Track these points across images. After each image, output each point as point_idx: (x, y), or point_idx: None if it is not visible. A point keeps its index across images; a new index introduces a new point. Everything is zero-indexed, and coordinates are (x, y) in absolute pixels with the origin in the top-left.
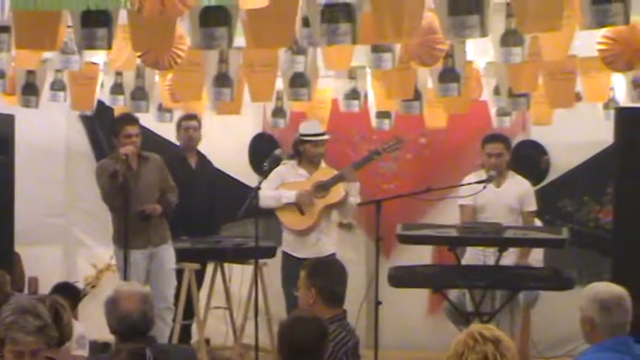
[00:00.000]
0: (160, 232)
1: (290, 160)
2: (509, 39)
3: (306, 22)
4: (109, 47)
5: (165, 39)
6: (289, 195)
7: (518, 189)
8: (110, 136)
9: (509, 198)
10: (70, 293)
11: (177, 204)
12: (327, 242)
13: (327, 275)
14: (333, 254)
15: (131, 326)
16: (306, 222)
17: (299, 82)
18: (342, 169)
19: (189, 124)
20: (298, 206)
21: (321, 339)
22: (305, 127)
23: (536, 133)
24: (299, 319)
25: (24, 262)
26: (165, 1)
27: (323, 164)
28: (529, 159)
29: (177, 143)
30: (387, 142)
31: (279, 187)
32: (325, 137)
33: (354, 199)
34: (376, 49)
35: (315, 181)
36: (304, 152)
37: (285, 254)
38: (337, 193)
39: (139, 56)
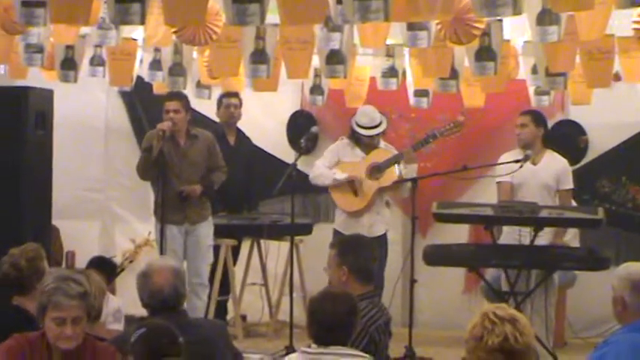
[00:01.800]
0: (199, 210)
1: (348, 139)
2: (546, 18)
3: (339, 0)
4: (142, 22)
5: (198, 15)
6: (344, 175)
7: (555, 167)
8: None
9: (546, 176)
10: (105, 267)
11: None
12: (380, 223)
13: (358, 253)
14: (384, 235)
15: (162, 300)
16: (359, 204)
17: (335, 59)
18: (400, 151)
19: (231, 101)
20: (352, 186)
21: (350, 315)
22: (361, 118)
23: (575, 113)
24: (328, 295)
25: (62, 237)
26: None
27: (382, 144)
28: (567, 138)
29: (216, 120)
30: (445, 125)
31: (336, 166)
32: (381, 129)
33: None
34: (412, 27)
35: (371, 162)
36: (360, 139)
37: (336, 231)
38: (391, 175)
39: (175, 32)
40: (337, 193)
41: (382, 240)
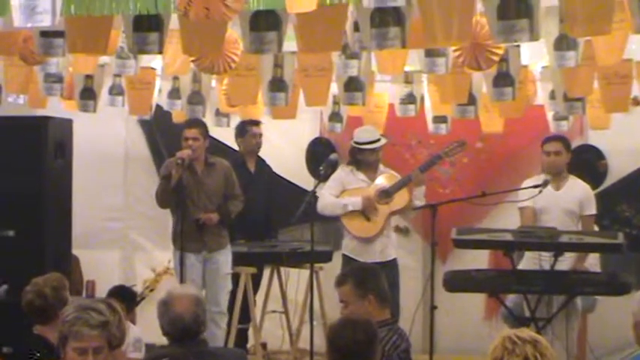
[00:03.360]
0: (217, 238)
1: (349, 166)
2: (563, 43)
3: (356, 27)
4: (161, 51)
5: (216, 43)
6: (355, 201)
7: (578, 192)
8: (170, 141)
9: (569, 201)
10: (125, 296)
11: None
12: (391, 247)
13: (378, 278)
14: (395, 259)
15: (183, 329)
16: (373, 229)
17: (353, 86)
18: (408, 173)
19: (258, 130)
20: (364, 212)
21: (370, 342)
22: (360, 135)
23: (594, 138)
24: (348, 322)
25: (82, 266)
26: (211, 6)
27: (381, 167)
28: (587, 163)
29: (235, 147)
30: (448, 145)
31: (342, 194)
32: (382, 143)
33: (420, 202)
34: (429, 54)
35: (378, 187)
36: (363, 160)
37: (347, 258)
38: (402, 198)
39: (193, 61)
40: (349, 220)
41: (393, 264)
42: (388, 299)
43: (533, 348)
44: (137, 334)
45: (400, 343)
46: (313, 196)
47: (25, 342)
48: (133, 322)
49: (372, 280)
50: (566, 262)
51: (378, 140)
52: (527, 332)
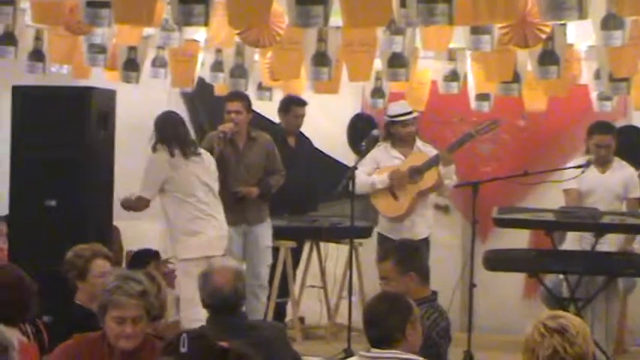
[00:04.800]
0: (257, 212)
1: (384, 142)
2: (610, 22)
3: (403, 2)
4: (206, 23)
5: (262, 16)
6: (382, 179)
7: (624, 175)
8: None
9: (615, 184)
10: (146, 259)
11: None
12: (422, 226)
13: (420, 255)
14: (426, 238)
15: (222, 300)
16: (400, 208)
17: (397, 62)
18: (436, 153)
19: (302, 111)
20: (392, 190)
21: (399, 313)
22: (392, 109)
23: (638, 118)
24: (385, 298)
25: (123, 237)
26: None
27: (418, 142)
28: (630, 144)
29: (277, 121)
30: (480, 123)
31: (374, 171)
32: (412, 115)
33: (450, 181)
34: (475, 31)
35: (410, 165)
36: (396, 133)
37: (381, 236)
38: (431, 177)
39: (238, 34)
40: (377, 199)
41: (424, 243)
42: (428, 277)
43: (561, 338)
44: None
45: (440, 320)
46: (354, 172)
47: (66, 311)
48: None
49: (414, 258)
50: (612, 244)
51: (409, 113)
52: (557, 320)
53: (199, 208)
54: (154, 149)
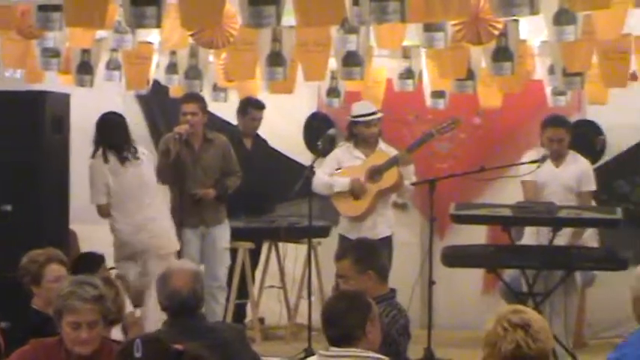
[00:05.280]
0: (214, 213)
1: (347, 142)
2: (563, 17)
3: (355, 1)
4: (159, 25)
5: (214, 17)
6: (342, 182)
7: (577, 169)
8: (168, 116)
9: (568, 178)
10: (90, 264)
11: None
12: (382, 225)
13: (377, 252)
14: (388, 237)
15: (180, 303)
16: (359, 208)
17: (352, 61)
18: (395, 154)
19: (259, 114)
20: (352, 192)
21: (366, 315)
22: (356, 109)
23: (592, 113)
24: (344, 296)
25: (79, 241)
26: None
27: (381, 144)
28: (584, 138)
29: (232, 122)
30: (440, 123)
31: (336, 171)
32: (376, 116)
33: (409, 181)
34: (428, 28)
35: (370, 165)
36: (359, 134)
37: (342, 237)
38: (391, 177)
39: (192, 35)
40: (337, 199)
41: (386, 242)
42: (386, 275)
43: (525, 333)
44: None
45: (399, 318)
46: (311, 171)
47: (23, 317)
48: None
49: (372, 256)
50: (566, 237)
51: (373, 114)
52: (520, 315)
53: (140, 211)
54: (93, 155)
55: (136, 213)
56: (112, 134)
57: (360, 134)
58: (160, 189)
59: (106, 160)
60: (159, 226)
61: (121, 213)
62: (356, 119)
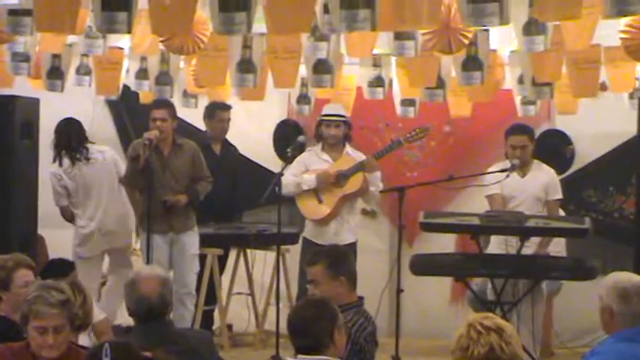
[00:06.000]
0: (183, 220)
1: (315, 146)
2: (532, 28)
3: (326, 9)
4: (129, 31)
5: (185, 24)
6: (309, 179)
7: (543, 178)
8: (138, 121)
9: (535, 187)
10: (61, 269)
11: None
12: (347, 231)
13: (349, 259)
14: (353, 243)
15: (148, 309)
16: (323, 211)
17: (322, 68)
18: (362, 159)
19: (226, 115)
20: (317, 194)
21: (332, 322)
22: (324, 109)
23: (561, 123)
24: (309, 304)
25: (48, 245)
26: None
27: (348, 149)
28: (554, 148)
29: (202, 129)
30: (409, 131)
31: (303, 174)
32: (336, 119)
33: (375, 188)
34: (399, 37)
35: (338, 168)
36: (324, 135)
37: (306, 240)
38: (356, 182)
39: (162, 41)
40: (302, 202)
41: (351, 248)
42: (355, 282)
43: (499, 337)
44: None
45: (366, 325)
46: (280, 178)
47: None
48: None
49: (345, 262)
50: (533, 247)
51: (336, 116)
52: (493, 320)
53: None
54: (53, 160)
55: (96, 209)
56: (61, 138)
57: (322, 133)
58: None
59: (60, 164)
60: (116, 222)
61: (81, 210)
62: (320, 118)
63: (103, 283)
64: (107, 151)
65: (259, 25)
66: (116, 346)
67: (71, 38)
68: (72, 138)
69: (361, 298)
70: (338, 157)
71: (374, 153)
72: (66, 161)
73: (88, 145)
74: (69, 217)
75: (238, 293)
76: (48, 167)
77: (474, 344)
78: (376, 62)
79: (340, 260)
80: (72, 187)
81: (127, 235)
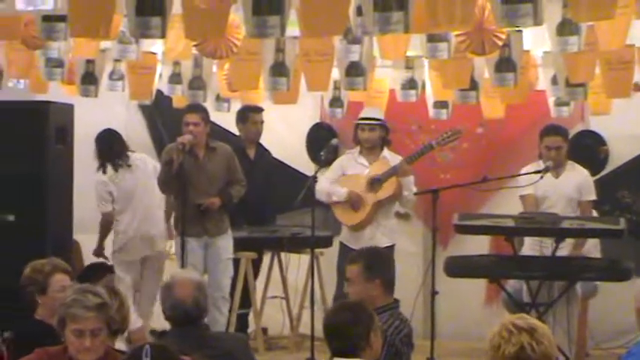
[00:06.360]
0: (218, 223)
1: (353, 149)
2: (566, 28)
3: (359, 11)
4: (163, 36)
5: (219, 28)
6: (340, 193)
7: (577, 179)
8: (171, 126)
9: (569, 188)
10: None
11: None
12: (383, 236)
13: (388, 264)
14: (390, 247)
15: (184, 313)
16: (358, 217)
17: (355, 71)
18: (395, 164)
19: (259, 117)
20: (350, 203)
21: (368, 325)
22: (363, 113)
23: (595, 123)
24: (345, 307)
25: (83, 251)
26: None
27: (386, 152)
28: (587, 149)
29: (236, 133)
30: (441, 134)
31: (339, 178)
32: (370, 122)
33: (409, 193)
34: (432, 39)
35: (371, 174)
36: (360, 138)
37: (342, 245)
38: (390, 187)
39: (195, 45)
40: (337, 208)
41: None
42: (393, 286)
43: (530, 336)
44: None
45: (402, 327)
46: (313, 182)
47: (25, 328)
48: None
49: (381, 265)
50: (567, 248)
51: (372, 119)
52: (526, 320)
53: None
54: (98, 169)
55: (137, 215)
56: (103, 148)
57: (362, 138)
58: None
59: (104, 172)
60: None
61: (123, 216)
62: (358, 121)
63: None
64: (147, 158)
65: (292, 29)
66: (156, 348)
67: (105, 44)
68: (114, 146)
69: (397, 301)
70: (375, 161)
71: (406, 157)
72: (109, 169)
73: (129, 153)
74: (111, 223)
75: (273, 297)
76: (83, 172)
77: (506, 343)
78: (409, 64)
79: (377, 263)
80: (116, 193)
81: (165, 241)
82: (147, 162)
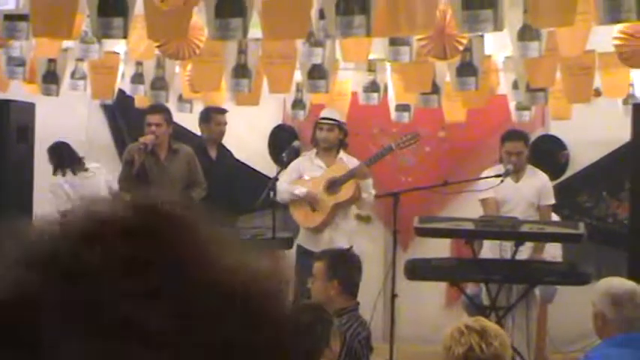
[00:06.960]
0: None
1: (310, 151)
2: (527, 34)
3: (322, 14)
4: (125, 36)
5: (181, 29)
6: (301, 189)
7: (536, 184)
8: (133, 126)
9: (528, 192)
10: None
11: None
12: (341, 239)
13: (350, 266)
14: (348, 249)
15: None
16: (316, 219)
17: (317, 74)
18: (353, 167)
19: (222, 118)
20: (310, 203)
21: (324, 327)
22: (321, 113)
23: (556, 128)
24: (302, 309)
25: None
26: None
27: (342, 155)
28: (548, 154)
29: (197, 133)
30: (401, 137)
31: (297, 180)
32: (327, 121)
33: (367, 195)
34: (393, 42)
35: (330, 176)
36: (318, 138)
37: (300, 247)
38: (349, 190)
39: (158, 46)
40: (295, 210)
41: None
42: (353, 289)
43: (479, 337)
44: None
45: (360, 330)
46: (275, 183)
47: None
48: None
49: (343, 267)
50: (527, 252)
51: (329, 119)
52: (479, 322)
53: None
54: (54, 172)
55: None
56: (54, 158)
57: (320, 138)
58: None
59: (63, 174)
60: None
61: None
62: (316, 121)
63: None
64: (102, 168)
65: (255, 31)
66: None
67: (67, 43)
68: (64, 157)
69: (357, 304)
70: (332, 164)
71: (365, 160)
72: (69, 173)
73: (84, 161)
74: None
75: None
76: (43, 171)
77: (455, 344)
78: (371, 68)
79: (339, 264)
80: (72, 194)
81: None
82: (102, 171)
